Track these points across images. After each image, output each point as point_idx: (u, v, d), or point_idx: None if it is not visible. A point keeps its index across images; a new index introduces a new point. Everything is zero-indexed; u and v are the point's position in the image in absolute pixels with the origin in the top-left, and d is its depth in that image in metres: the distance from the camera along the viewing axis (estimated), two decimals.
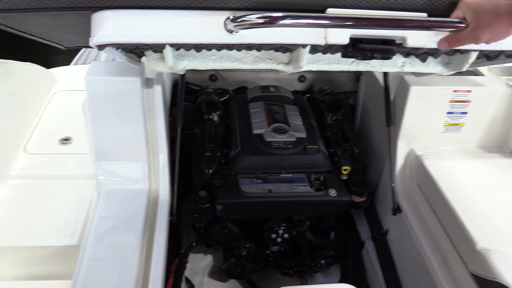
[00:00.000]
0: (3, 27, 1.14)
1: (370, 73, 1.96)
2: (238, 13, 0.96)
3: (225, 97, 2.08)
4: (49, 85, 2.34)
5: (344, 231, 1.92)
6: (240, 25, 0.93)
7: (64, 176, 1.79)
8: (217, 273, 2.07)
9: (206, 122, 1.88)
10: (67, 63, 2.99)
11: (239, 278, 2.02)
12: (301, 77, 2.29)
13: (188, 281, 1.84)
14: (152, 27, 0.99)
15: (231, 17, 0.97)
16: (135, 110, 1.47)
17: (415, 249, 1.51)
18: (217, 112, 1.93)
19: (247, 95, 2.04)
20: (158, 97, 1.50)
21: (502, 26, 0.93)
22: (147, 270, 1.33)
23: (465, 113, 1.65)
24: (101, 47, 1.01)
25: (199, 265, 2.04)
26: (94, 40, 0.99)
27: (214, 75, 2.25)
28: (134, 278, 1.25)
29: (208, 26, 0.99)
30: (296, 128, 1.80)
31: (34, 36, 1.29)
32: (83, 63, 3.12)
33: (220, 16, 0.99)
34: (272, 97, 2.00)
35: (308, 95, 2.19)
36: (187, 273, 1.79)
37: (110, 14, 0.99)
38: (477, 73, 1.88)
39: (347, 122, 1.95)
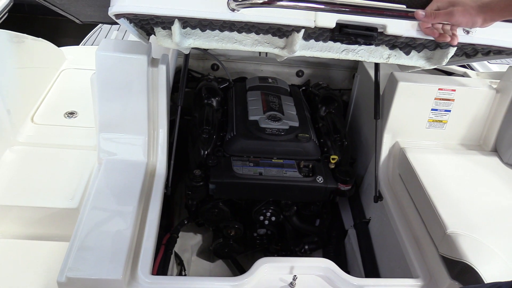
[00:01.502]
0: None
1: (364, 72, 2.06)
2: None
3: (225, 85, 2.18)
4: (58, 62, 2.43)
5: (329, 219, 2.01)
6: (242, 4, 1.04)
7: (68, 146, 1.88)
8: (205, 253, 2.16)
9: (205, 106, 1.97)
10: (75, 45, 3.07)
11: (226, 258, 2.11)
12: (299, 72, 2.40)
13: (177, 256, 1.93)
14: (164, 0, 1.10)
15: None
16: (140, 86, 1.57)
17: (393, 235, 1.61)
18: (216, 98, 2.03)
19: (246, 84, 2.14)
20: (162, 76, 1.60)
21: (473, 14, 1.05)
22: (141, 236, 1.42)
23: (448, 111, 1.75)
24: (118, 16, 1.12)
25: (188, 243, 2.12)
26: (113, 9, 1.10)
27: (216, 64, 2.35)
28: (128, 242, 1.33)
29: (213, 3, 1.10)
30: (290, 117, 1.89)
31: (56, 7, 1.38)
32: (91, 45, 3.22)
33: None
34: (269, 88, 2.10)
35: (303, 88, 2.30)
36: (177, 248, 1.87)
37: None
38: (465, 77, 1.99)
39: (338, 115, 2.05)
